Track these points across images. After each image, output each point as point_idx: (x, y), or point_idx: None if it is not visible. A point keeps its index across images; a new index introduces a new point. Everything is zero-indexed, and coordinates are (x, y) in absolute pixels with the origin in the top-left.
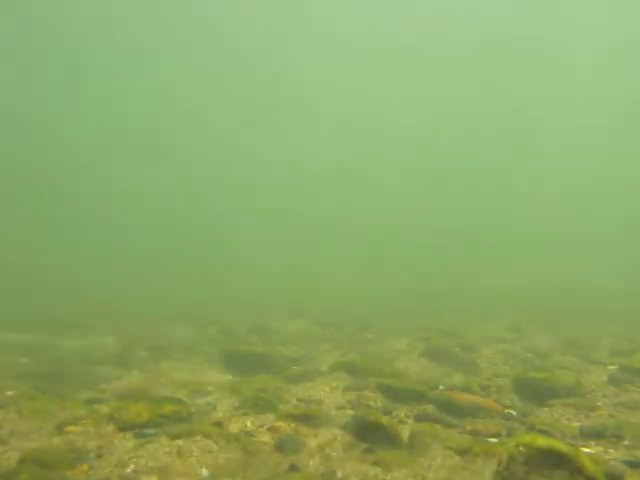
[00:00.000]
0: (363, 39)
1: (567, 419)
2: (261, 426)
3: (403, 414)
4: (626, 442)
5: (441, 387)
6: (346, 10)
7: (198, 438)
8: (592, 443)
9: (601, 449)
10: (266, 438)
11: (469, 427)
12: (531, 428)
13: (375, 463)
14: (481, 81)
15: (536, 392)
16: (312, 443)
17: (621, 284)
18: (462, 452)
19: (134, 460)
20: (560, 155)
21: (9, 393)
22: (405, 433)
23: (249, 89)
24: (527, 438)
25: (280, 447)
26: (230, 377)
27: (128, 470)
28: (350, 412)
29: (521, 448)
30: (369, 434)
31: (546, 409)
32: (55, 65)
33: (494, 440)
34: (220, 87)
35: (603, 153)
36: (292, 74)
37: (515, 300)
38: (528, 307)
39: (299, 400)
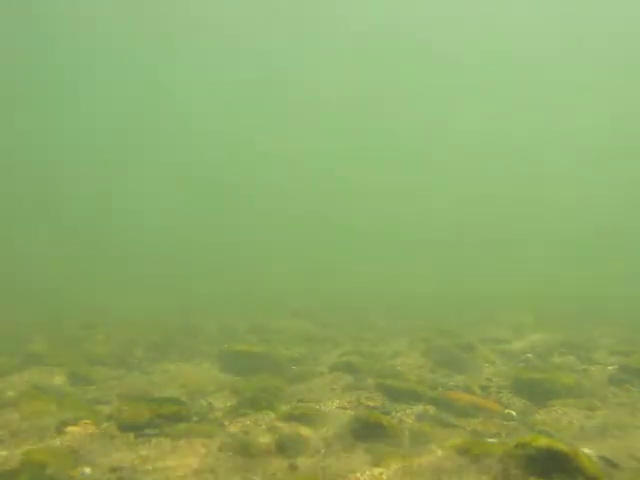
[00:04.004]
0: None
1: (567, 419)
2: (261, 426)
3: (403, 414)
4: (625, 442)
5: (441, 388)
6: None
7: (198, 438)
8: (592, 443)
9: (601, 449)
10: (266, 438)
11: (469, 427)
12: (531, 428)
13: (375, 463)
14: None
15: (536, 392)
16: (312, 443)
17: (621, 285)
18: (462, 452)
19: (134, 460)
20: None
21: (9, 393)
22: (405, 433)
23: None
24: (527, 438)
25: (280, 447)
26: (230, 377)
27: (128, 470)
28: (350, 412)
29: (521, 448)
30: (369, 434)
31: (546, 409)
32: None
33: (494, 440)
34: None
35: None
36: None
37: (515, 300)
38: (528, 307)
39: (299, 400)
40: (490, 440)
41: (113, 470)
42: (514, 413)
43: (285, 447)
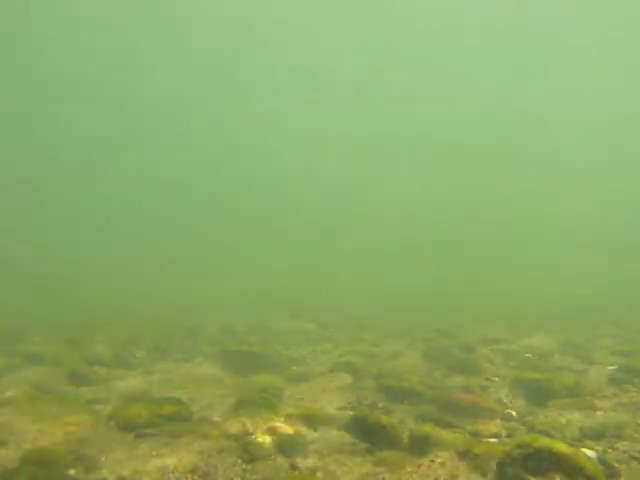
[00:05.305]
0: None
1: (567, 419)
2: (261, 426)
3: (403, 414)
4: (625, 442)
5: (441, 388)
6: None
7: (198, 438)
8: (592, 443)
9: (601, 449)
10: (266, 438)
11: (469, 427)
12: (531, 428)
13: (375, 463)
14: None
15: (536, 392)
16: (312, 443)
17: (621, 285)
18: (462, 452)
19: (133, 460)
20: (562, 155)
21: (9, 393)
22: (405, 433)
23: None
24: (527, 438)
25: (280, 447)
26: (230, 377)
27: (127, 470)
28: (350, 412)
29: (521, 448)
30: (369, 434)
31: (546, 409)
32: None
33: (494, 440)
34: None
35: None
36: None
37: (515, 300)
38: (528, 307)
39: (299, 400)
40: (490, 440)
41: (112, 470)
42: (514, 413)
43: (285, 447)
